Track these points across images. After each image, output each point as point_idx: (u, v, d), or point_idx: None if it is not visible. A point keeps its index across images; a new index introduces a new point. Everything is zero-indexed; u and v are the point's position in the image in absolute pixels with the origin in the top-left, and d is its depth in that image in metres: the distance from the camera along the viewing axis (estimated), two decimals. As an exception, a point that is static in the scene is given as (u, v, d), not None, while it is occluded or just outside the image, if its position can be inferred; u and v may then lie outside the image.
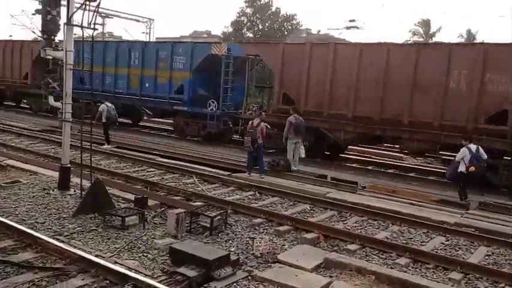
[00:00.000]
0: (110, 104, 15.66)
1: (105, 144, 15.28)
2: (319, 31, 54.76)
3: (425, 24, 46.36)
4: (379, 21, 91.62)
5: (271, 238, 7.54)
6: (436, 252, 7.41)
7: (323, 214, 9.30)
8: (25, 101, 27.43)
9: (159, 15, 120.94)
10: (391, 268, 6.63)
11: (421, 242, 7.89)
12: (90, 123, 9.18)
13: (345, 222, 8.86)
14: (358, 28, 37.73)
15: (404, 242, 7.85)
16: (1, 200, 8.59)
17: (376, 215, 9.17)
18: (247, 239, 7.46)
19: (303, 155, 13.41)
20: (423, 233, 8.34)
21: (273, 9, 44.53)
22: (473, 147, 10.39)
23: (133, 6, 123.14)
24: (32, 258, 6.08)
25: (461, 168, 10.35)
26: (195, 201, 9.34)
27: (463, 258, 7.22)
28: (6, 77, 25.25)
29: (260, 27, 44.24)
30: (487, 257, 7.32)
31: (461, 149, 10.52)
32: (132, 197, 8.98)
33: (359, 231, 8.32)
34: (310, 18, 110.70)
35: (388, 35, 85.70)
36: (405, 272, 6.54)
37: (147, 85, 19.30)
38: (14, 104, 28.13)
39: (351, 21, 38.33)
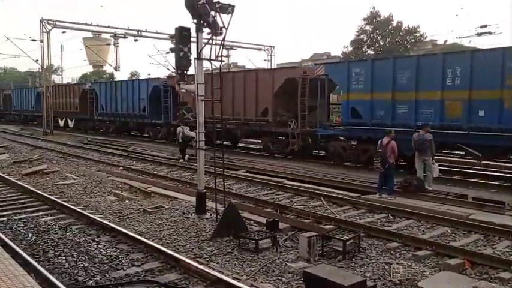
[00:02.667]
0: None
1: None
2: (445, 41, 51.46)
3: None
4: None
5: (409, 264, 7.08)
6: None
7: (467, 238, 8.49)
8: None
9: (279, 41, 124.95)
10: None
11: None
12: (222, 150, 9.70)
13: (493, 247, 7.96)
14: (491, 33, 34.53)
15: None
16: (148, 224, 9.46)
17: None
18: (383, 265, 7.11)
19: (436, 174, 12.49)
20: None
21: (394, 23, 43.13)
22: None
23: (254, 35, 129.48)
24: (176, 279, 6.53)
25: None
26: (325, 225, 9.22)
27: None
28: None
29: (381, 43, 43.09)
30: None
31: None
32: (263, 220, 9.21)
33: (512, 257, 7.40)
34: (435, 28, 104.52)
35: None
36: None
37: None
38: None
39: (482, 27, 35.26)
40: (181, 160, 18.67)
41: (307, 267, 6.59)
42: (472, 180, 14.78)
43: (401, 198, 11.41)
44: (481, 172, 15.98)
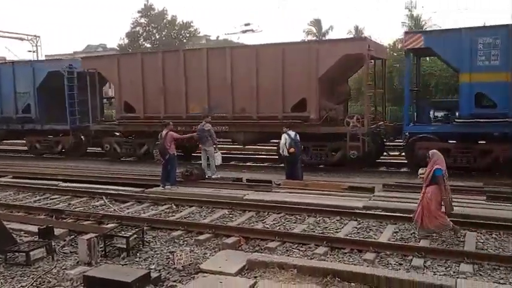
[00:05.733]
0: None
1: None
2: (218, 37, 55.26)
3: (317, 23, 48.72)
4: (276, 23, 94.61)
5: (192, 249, 7.41)
6: (350, 236, 7.79)
7: (242, 217, 9.34)
8: None
9: (47, 31, 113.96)
10: (311, 259, 6.84)
11: (336, 229, 8.24)
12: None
13: (264, 221, 8.97)
14: (254, 31, 38.63)
15: (320, 231, 8.15)
16: None
17: (292, 210, 9.41)
18: (168, 254, 7.26)
19: (218, 162, 13.28)
20: (337, 220, 8.72)
21: (169, 17, 44.01)
22: (292, 133, 12.12)
23: (17, 23, 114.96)
24: None
25: (285, 151, 12.03)
26: (107, 224, 8.88)
27: (374, 238, 7.67)
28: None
29: (157, 36, 43.48)
30: (395, 234, 7.84)
31: (283, 135, 12.10)
32: (35, 228, 8.29)
33: (278, 228, 8.48)
34: (208, 25, 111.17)
35: (285, 35, 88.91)
36: (324, 260, 6.79)
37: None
38: None
39: (245, 25, 39.16)
40: None
41: (88, 270, 6.23)
42: (247, 164, 16.41)
43: (183, 187, 11.82)
44: (253, 156, 17.87)
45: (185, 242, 7.92)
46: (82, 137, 19.24)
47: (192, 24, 44.62)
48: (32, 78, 19.06)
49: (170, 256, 7.05)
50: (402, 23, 40.92)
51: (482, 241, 7.38)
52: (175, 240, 7.98)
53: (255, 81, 14.89)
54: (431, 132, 13.49)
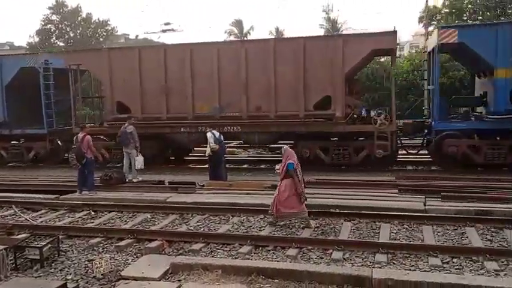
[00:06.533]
0: None
1: None
2: (137, 36, 53.74)
3: (239, 24, 49.16)
4: (196, 23, 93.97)
5: (112, 256, 7.13)
6: (274, 234, 7.94)
7: (165, 220, 9.15)
8: None
9: None
10: (236, 258, 6.88)
11: (260, 228, 8.36)
12: None
13: (187, 223, 8.87)
14: (174, 31, 38.10)
15: (245, 231, 8.22)
16: None
17: (217, 210, 9.40)
18: (86, 263, 6.93)
19: (139, 166, 12.85)
20: (260, 218, 8.85)
21: (83, 15, 41.98)
22: (216, 133, 12.26)
23: None
24: None
25: (208, 150, 12.07)
26: (18, 234, 8.26)
27: (297, 234, 7.89)
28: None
29: (71, 34, 41.30)
30: (316, 229, 8.12)
31: (208, 134, 12.16)
32: None
33: (202, 229, 8.42)
34: (125, 23, 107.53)
35: (206, 35, 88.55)
36: (248, 259, 6.86)
37: None
38: None
39: (166, 24, 38.48)
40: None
41: (-4, 286, 5.76)
42: (169, 166, 16.10)
43: (103, 192, 11.34)
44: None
45: (105, 249, 7.61)
46: (59, 142, 16.98)
47: (108, 22, 42.94)
48: None
49: (89, 264, 6.75)
50: (320, 25, 42.54)
51: (395, 232, 7.87)
52: (94, 248, 7.65)
53: (273, 77, 13.83)
54: (463, 129, 13.30)
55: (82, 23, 41.80)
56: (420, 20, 31.80)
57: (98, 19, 42.54)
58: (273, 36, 13.18)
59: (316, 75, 13.59)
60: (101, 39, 41.96)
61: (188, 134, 14.71)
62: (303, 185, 8.21)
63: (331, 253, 6.92)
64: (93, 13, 45.98)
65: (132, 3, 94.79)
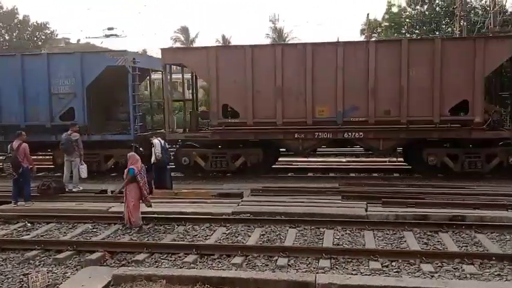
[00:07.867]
0: None
1: None
2: (79, 40, 51.90)
3: (185, 31, 48.90)
4: (140, 29, 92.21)
5: (49, 269, 6.81)
6: (220, 242, 7.91)
7: (108, 230, 8.87)
8: None
9: None
10: (181, 268, 6.78)
11: (205, 237, 8.30)
12: None
13: (130, 234, 8.63)
14: (117, 36, 37.18)
15: (190, 240, 8.13)
16: None
17: (161, 220, 9.23)
18: (21, 277, 6.57)
19: (83, 175, 12.41)
20: (206, 227, 8.78)
21: (20, 17, 40.06)
22: (161, 141, 12.28)
23: None
24: None
25: (153, 158, 12.05)
26: None
27: (243, 242, 7.90)
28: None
29: (7, 37, 39.27)
30: (262, 236, 8.18)
31: (154, 142, 12.17)
32: None
33: (146, 239, 8.23)
34: (66, 27, 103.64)
35: (150, 41, 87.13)
36: (194, 267, 6.78)
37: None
38: None
39: (109, 29, 37.43)
40: None
41: None
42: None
43: (40, 203, 10.81)
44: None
45: (42, 262, 7.26)
46: (140, 148, 14.79)
47: (48, 25, 41.22)
48: (79, 75, 14.56)
49: (24, 279, 6.40)
50: (266, 34, 43.16)
51: (338, 237, 8.08)
52: (31, 261, 7.27)
53: (406, 80, 12.99)
54: None
55: (19, 25, 39.87)
56: (362, 32, 33.19)
57: (36, 22, 40.77)
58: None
59: (453, 77, 12.93)
60: (40, 42, 40.19)
61: (302, 140, 13.83)
62: (147, 189, 8.70)
63: (277, 260, 6.98)
64: (30, 16, 44.01)
65: (73, 7, 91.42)
